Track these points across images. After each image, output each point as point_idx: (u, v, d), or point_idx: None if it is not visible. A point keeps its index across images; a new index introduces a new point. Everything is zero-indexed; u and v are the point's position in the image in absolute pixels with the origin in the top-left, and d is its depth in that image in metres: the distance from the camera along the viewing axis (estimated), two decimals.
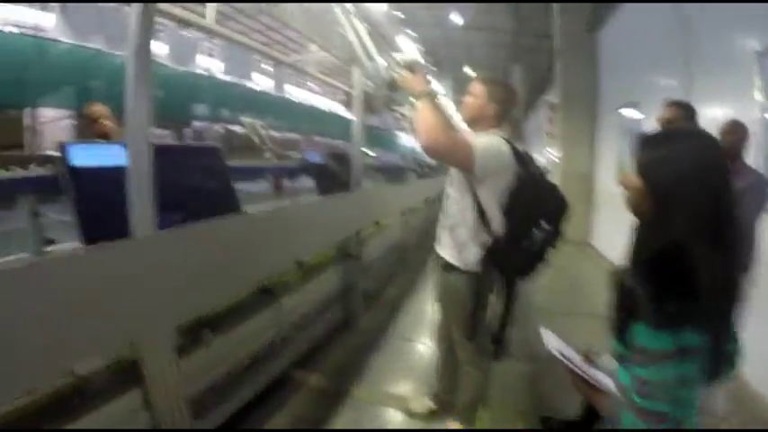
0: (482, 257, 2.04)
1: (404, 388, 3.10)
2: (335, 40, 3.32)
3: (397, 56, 2.25)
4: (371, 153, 10.06)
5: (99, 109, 3.77)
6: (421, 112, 1.94)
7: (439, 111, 1.94)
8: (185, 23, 3.06)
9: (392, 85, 2.27)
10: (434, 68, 24.46)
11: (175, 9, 2.62)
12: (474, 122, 2.18)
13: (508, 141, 2.04)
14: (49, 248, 2.56)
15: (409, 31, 19.61)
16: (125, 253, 1.80)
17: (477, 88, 2.18)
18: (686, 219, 1.02)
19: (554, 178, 9.07)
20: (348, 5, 3.40)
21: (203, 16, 3.86)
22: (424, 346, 3.76)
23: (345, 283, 4.06)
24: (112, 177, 1.95)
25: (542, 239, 1.97)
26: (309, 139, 13.96)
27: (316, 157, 5.31)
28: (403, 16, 17.89)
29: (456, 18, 15.17)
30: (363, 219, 4.43)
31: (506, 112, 2.17)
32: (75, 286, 1.56)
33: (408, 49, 12.10)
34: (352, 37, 3.36)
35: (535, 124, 16.02)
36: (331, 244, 3.87)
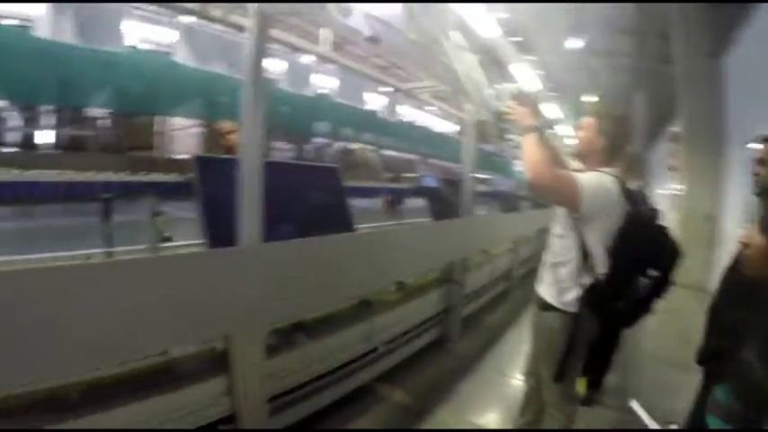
0: (580, 300, 1.94)
1: (487, 419, 3.03)
2: (443, 71, 3.39)
3: (506, 87, 2.26)
4: (485, 178, 9.99)
5: (228, 125, 4.21)
6: (526, 147, 1.91)
7: (545, 145, 1.91)
8: (300, 50, 3.33)
9: (499, 117, 2.24)
10: (554, 94, 23.84)
11: (291, 37, 2.87)
12: (583, 158, 2.08)
13: (618, 180, 1.94)
14: (165, 245, 2.90)
15: (530, 57, 19.34)
16: (231, 259, 2.03)
17: (588, 121, 2.06)
18: None
19: (673, 216, 8.25)
20: (457, 36, 3.47)
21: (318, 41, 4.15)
22: (516, 381, 3.62)
23: (445, 306, 4.10)
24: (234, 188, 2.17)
25: (648, 288, 1.86)
26: (425, 161, 14.20)
27: (431, 182, 5.45)
28: (520, 39, 17.79)
29: (574, 42, 14.60)
30: (470, 246, 4.40)
31: (618, 147, 2.02)
32: (185, 281, 1.81)
33: (525, 76, 11.90)
34: (459, 67, 3.42)
35: (658, 156, 14.73)
36: (434, 268, 3.94)
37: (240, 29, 2.13)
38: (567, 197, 1.88)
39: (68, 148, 11.21)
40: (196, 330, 1.90)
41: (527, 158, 1.88)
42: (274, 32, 2.62)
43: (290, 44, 3.26)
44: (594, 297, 1.90)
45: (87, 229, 2.71)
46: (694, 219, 7.96)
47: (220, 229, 2.24)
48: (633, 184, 2.93)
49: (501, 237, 5.56)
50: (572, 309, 1.99)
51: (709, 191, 7.93)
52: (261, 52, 2.11)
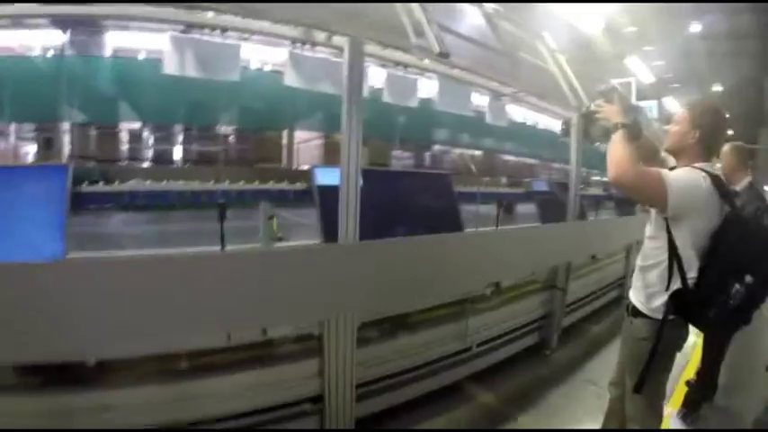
0: (668, 306, 1.83)
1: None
2: (534, 74, 3.40)
3: (600, 85, 2.21)
4: (600, 180, 9.45)
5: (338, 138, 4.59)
6: (612, 144, 1.85)
7: (633, 142, 1.84)
8: (400, 64, 3.54)
9: (588, 117, 2.13)
10: (676, 85, 21.72)
11: (385, 51, 3.09)
12: (676, 153, 1.98)
13: (713, 176, 1.79)
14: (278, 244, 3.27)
15: (647, 48, 17.90)
16: (330, 254, 2.34)
17: (681, 115, 1.96)
18: None
19: None
20: (548, 36, 3.45)
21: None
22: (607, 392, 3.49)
23: (545, 312, 4.04)
24: None
25: (743, 295, 1.68)
26: (546, 165, 13.86)
27: (542, 186, 5.39)
28: (634, 29, 16.51)
29: (695, 27, 13.28)
30: (576, 251, 4.25)
31: (714, 141, 1.91)
32: (289, 271, 2.13)
33: (638, 69, 11.09)
34: (553, 68, 3.40)
35: None
36: (533, 272, 3.93)
37: (342, 50, 2.39)
38: (653, 196, 1.79)
39: (197, 162, 12.56)
40: (294, 314, 2.25)
41: (611, 156, 1.81)
42: (371, 48, 2.85)
43: (391, 59, 3.47)
44: (681, 303, 1.79)
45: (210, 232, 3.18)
46: None
47: (333, 230, 2.50)
48: (744, 181, 2.74)
49: (612, 242, 5.24)
50: (659, 315, 1.88)
51: None
52: (355, 72, 2.36)
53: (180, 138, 13.10)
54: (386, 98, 3.66)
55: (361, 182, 2.42)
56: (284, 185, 5.98)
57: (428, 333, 2.95)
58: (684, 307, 1.79)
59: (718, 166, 1.88)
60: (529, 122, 7.47)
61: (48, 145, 4.71)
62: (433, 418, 2.91)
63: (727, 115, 1.97)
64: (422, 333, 2.93)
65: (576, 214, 3.94)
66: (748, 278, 1.66)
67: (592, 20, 8.32)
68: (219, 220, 2.74)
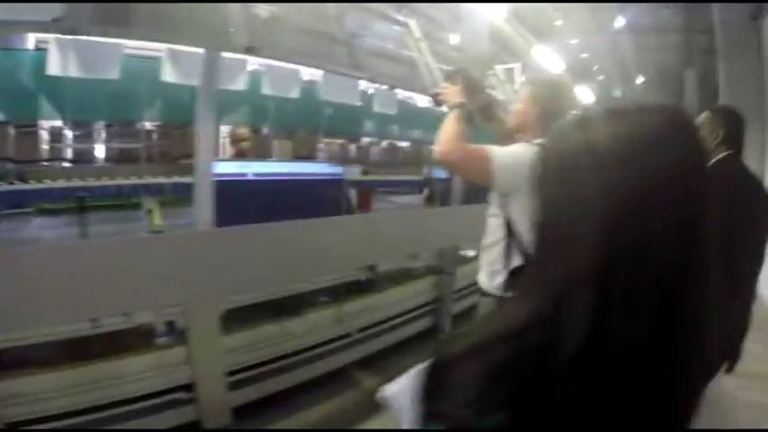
0: (506, 283, 1.78)
1: None
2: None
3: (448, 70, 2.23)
4: None
5: (242, 133, 4.48)
6: (444, 123, 1.80)
7: (459, 122, 1.79)
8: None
9: (434, 99, 2.06)
10: (601, 78, 22.78)
11: None
12: (521, 132, 1.91)
13: None
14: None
15: (573, 41, 18.69)
16: (187, 240, 2.42)
17: (522, 92, 1.94)
18: None
19: None
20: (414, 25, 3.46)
21: None
22: None
23: (435, 297, 4.04)
24: None
25: None
26: None
27: (439, 173, 5.41)
28: (560, 23, 17.15)
29: (619, 21, 13.95)
30: (461, 235, 4.02)
31: (553, 115, 1.94)
32: (153, 256, 2.18)
33: (548, 60, 11.51)
34: (415, 53, 3.43)
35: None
36: (416, 256, 3.98)
37: None
38: (478, 172, 1.76)
39: (119, 160, 12.10)
40: (155, 297, 2.24)
41: (439, 134, 1.76)
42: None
43: None
44: (517, 281, 1.75)
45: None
46: None
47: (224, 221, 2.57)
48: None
49: None
50: (500, 293, 1.84)
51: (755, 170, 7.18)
52: (208, 66, 2.39)
53: (101, 135, 12.51)
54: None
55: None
56: (176, 178, 5.85)
57: (302, 319, 2.95)
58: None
59: None
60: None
61: None
62: (318, 404, 2.90)
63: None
64: (295, 319, 2.93)
65: (462, 198, 3.96)
66: None
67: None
68: (78, 213, 2.66)
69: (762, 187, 1.95)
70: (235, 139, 4.44)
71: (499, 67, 4.24)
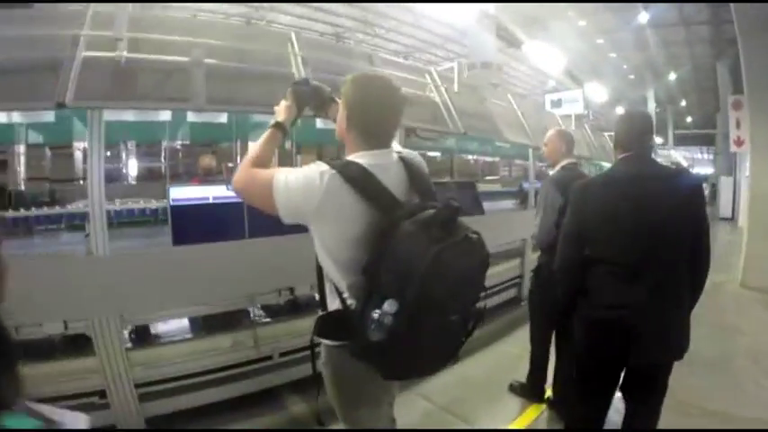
0: (315, 328, 1.41)
1: None
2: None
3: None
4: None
5: (208, 161, 4.76)
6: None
7: (268, 142, 1.52)
8: None
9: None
10: (632, 77, 21.83)
11: None
12: (343, 144, 1.53)
13: (352, 170, 1.33)
14: None
15: (599, 41, 18.08)
16: (86, 264, 2.64)
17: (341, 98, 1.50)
18: None
19: (742, 202, 7.06)
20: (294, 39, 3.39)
21: None
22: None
23: None
24: None
25: (389, 327, 1.17)
26: None
27: None
28: (584, 24, 16.66)
29: (643, 16, 13.35)
30: None
31: (371, 125, 1.41)
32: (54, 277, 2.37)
33: (550, 55, 11.19)
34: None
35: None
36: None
37: None
38: (261, 201, 1.38)
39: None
40: (63, 314, 2.45)
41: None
42: None
43: None
44: (336, 329, 1.37)
45: None
46: (765, 202, 6.32)
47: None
48: (562, 162, 2.76)
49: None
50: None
51: None
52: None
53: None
54: None
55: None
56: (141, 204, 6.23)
57: (216, 339, 3.00)
58: (335, 330, 1.36)
59: (402, 152, 1.51)
60: None
61: None
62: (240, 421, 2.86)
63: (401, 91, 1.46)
64: (209, 338, 2.99)
65: None
66: (389, 306, 1.17)
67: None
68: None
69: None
70: (202, 165, 4.77)
71: (434, 69, 4.12)
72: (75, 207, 6.70)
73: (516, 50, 13.24)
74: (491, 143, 8.80)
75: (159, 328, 3.25)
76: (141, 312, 2.78)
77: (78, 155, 12.18)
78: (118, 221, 7.79)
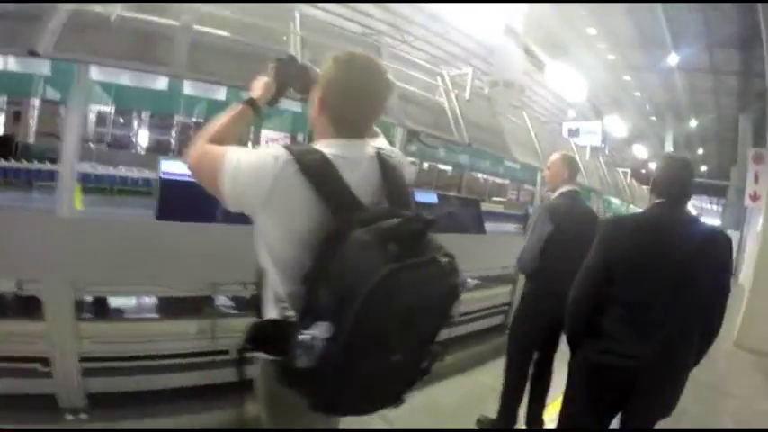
0: (249, 337, 1.14)
1: None
2: None
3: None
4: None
5: None
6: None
7: (234, 119, 1.30)
8: None
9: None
10: (653, 119, 21.68)
11: None
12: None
13: (312, 158, 1.11)
14: None
15: (626, 77, 17.97)
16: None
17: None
18: None
19: (751, 258, 6.88)
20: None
21: None
22: None
23: None
24: None
25: (319, 353, 0.95)
26: None
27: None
28: (612, 58, 16.56)
29: (672, 59, 13.21)
30: None
31: (343, 111, 1.20)
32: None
33: (573, 81, 11.04)
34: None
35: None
36: None
37: None
38: (209, 182, 1.16)
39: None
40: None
41: None
42: None
43: None
44: (255, 339, 1.14)
45: None
46: None
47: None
48: (561, 189, 2.63)
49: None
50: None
51: None
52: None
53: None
54: None
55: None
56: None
57: (176, 324, 2.82)
58: (268, 347, 1.13)
59: (383, 147, 1.27)
60: None
61: None
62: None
63: (387, 76, 1.23)
64: (170, 322, 2.82)
65: None
66: (321, 329, 0.95)
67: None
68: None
69: None
70: None
71: (446, 73, 3.91)
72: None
73: (541, 76, 13.14)
74: (502, 164, 8.65)
75: (120, 302, 3.09)
76: (96, 283, 2.62)
77: (92, 117, 12.18)
78: (117, 188, 7.68)
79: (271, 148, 1.14)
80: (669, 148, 19.95)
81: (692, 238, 1.75)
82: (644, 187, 10.41)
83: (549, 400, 2.79)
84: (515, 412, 2.72)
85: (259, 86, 1.38)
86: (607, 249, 1.81)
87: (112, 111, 12.57)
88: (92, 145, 10.46)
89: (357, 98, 1.19)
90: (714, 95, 15.42)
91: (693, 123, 18.10)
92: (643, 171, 17.91)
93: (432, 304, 1.07)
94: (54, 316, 2.38)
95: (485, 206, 7.67)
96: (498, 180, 18.02)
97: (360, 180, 1.15)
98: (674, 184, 1.82)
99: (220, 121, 1.28)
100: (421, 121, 3.38)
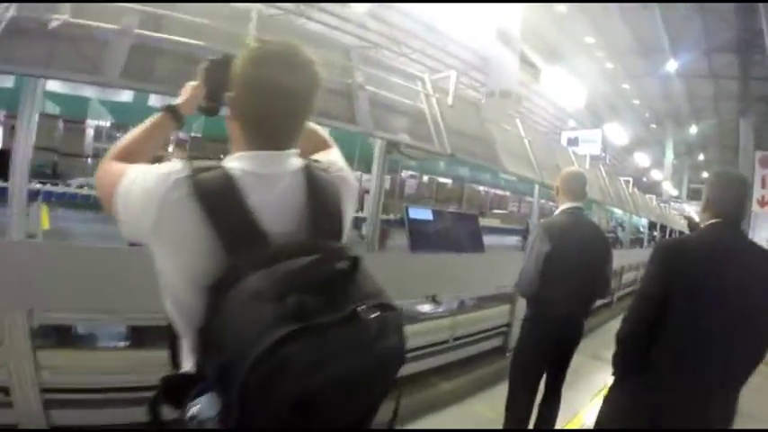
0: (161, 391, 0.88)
1: None
2: None
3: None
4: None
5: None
6: None
7: (149, 130, 1.09)
8: None
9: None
10: (653, 126, 21.49)
11: None
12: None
13: (227, 180, 0.88)
14: None
15: (624, 85, 17.84)
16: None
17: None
18: None
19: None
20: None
21: None
22: None
23: None
24: None
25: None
26: None
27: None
28: (611, 66, 16.45)
29: (671, 65, 13.06)
30: None
31: (262, 115, 0.94)
32: None
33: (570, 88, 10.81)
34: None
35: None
36: None
37: None
38: (106, 206, 0.95)
39: None
40: None
41: None
42: None
43: None
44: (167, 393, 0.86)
45: None
46: None
47: None
48: (564, 206, 2.46)
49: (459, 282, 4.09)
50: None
51: None
52: None
53: None
54: None
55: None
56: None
57: (142, 354, 2.61)
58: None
59: (319, 161, 1.03)
60: None
61: None
62: None
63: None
64: (137, 352, 2.60)
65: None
66: (206, 405, 0.76)
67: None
68: None
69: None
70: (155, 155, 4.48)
71: (427, 77, 3.55)
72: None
73: (538, 85, 13.01)
74: (502, 176, 8.46)
75: (85, 330, 2.89)
76: (56, 310, 2.42)
77: (90, 132, 12.12)
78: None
79: (169, 164, 0.90)
80: (670, 155, 19.81)
81: (754, 262, 1.62)
82: (647, 196, 10.20)
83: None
84: None
85: (186, 91, 1.14)
86: (669, 276, 1.64)
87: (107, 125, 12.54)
88: (89, 160, 10.41)
89: (270, 97, 0.91)
90: (714, 101, 15.30)
91: (694, 130, 17.92)
92: (644, 179, 17.76)
93: (350, 381, 0.74)
94: (11, 345, 2.20)
95: (484, 221, 7.40)
96: (499, 192, 17.82)
97: (274, 203, 0.88)
98: (731, 203, 1.69)
99: (135, 131, 1.06)
100: (398, 130, 3.10)
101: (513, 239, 7.59)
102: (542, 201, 9.22)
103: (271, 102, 0.92)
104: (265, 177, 0.90)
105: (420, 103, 3.28)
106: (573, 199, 2.49)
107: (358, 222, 4.16)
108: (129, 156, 0.99)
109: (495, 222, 11.75)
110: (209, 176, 0.86)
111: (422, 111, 3.24)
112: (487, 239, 4.48)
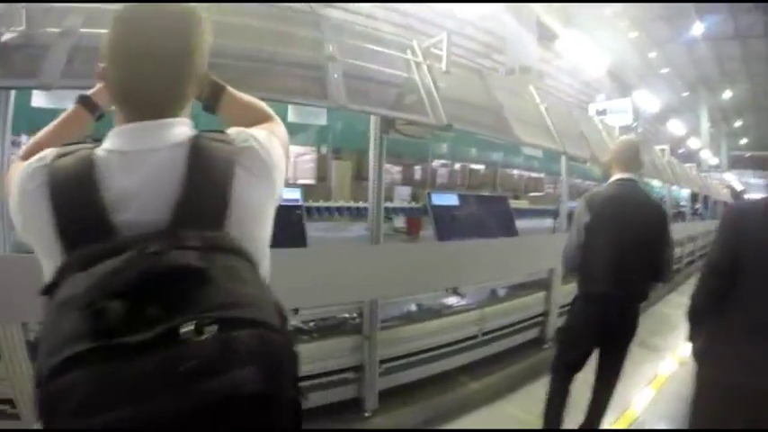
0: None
1: None
2: None
3: None
4: None
5: None
6: None
7: (61, 124, 0.97)
8: None
9: None
10: (686, 94, 20.35)
11: None
12: None
13: (81, 163, 0.73)
14: None
15: (651, 54, 16.93)
16: None
17: None
18: None
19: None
20: None
21: None
22: None
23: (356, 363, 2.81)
24: None
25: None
26: None
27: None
28: (635, 35, 15.65)
29: (697, 28, 12.35)
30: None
31: (126, 81, 0.79)
32: None
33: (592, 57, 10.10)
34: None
35: None
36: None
37: None
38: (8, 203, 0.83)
39: None
40: None
41: None
42: None
43: None
44: None
45: None
46: None
47: None
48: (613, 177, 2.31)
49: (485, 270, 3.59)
50: None
51: None
52: None
53: None
54: None
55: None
56: None
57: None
58: None
59: (231, 131, 0.83)
60: None
61: None
62: None
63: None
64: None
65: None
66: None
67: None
68: None
69: None
70: None
71: (416, 44, 3.09)
72: None
73: (560, 62, 12.48)
74: (535, 157, 8.20)
75: None
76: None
77: None
78: None
79: (44, 152, 0.77)
80: (705, 122, 18.88)
81: None
82: (686, 165, 9.58)
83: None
84: None
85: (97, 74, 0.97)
86: (736, 243, 1.49)
87: None
88: None
89: (129, 61, 0.76)
90: (744, 63, 14.49)
91: (728, 95, 17.01)
92: (681, 150, 16.88)
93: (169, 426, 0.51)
94: (10, 357, 2.21)
95: (514, 203, 7.02)
96: (534, 174, 17.30)
97: (142, 186, 0.71)
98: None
99: (47, 127, 0.94)
100: (390, 105, 2.71)
101: (547, 222, 7.14)
102: (579, 180, 8.78)
103: (130, 65, 0.76)
104: (131, 155, 0.74)
105: (413, 74, 2.92)
106: (624, 169, 2.31)
107: (388, 213, 4.00)
108: (28, 151, 0.86)
109: (524, 204, 11.40)
110: (65, 162, 0.73)
111: (413, 81, 2.89)
112: (519, 223, 4.18)
